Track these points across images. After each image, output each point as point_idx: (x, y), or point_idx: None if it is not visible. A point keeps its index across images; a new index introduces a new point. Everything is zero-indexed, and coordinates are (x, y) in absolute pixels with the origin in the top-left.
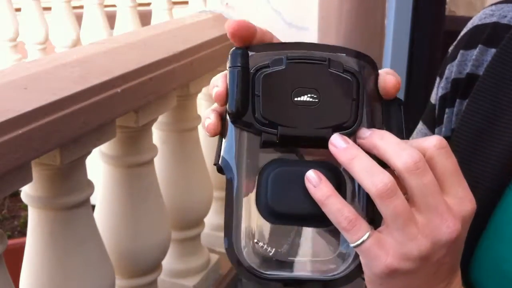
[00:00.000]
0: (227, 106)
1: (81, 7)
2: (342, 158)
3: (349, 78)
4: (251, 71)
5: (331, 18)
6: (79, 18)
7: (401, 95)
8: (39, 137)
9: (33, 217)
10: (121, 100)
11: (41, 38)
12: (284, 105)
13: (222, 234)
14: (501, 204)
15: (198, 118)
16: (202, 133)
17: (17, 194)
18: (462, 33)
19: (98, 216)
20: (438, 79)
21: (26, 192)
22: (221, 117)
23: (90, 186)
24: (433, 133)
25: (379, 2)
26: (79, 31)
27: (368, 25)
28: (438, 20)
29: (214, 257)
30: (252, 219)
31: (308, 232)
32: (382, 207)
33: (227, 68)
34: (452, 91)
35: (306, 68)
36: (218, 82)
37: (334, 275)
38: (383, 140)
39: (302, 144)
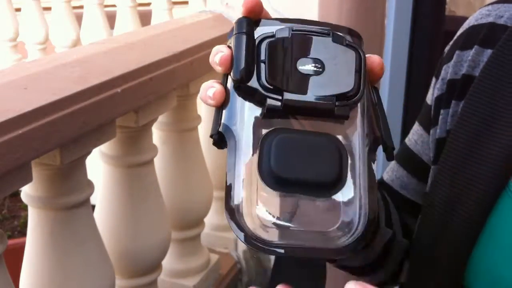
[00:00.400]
0: (231, 73)
1: (81, 7)
2: None
3: (352, 51)
4: (257, 39)
5: (331, 18)
6: (79, 18)
7: (400, 95)
8: (39, 137)
9: (33, 217)
10: (121, 100)
11: (41, 38)
12: (289, 73)
13: (222, 234)
14: (497, 207)
15: (198, 118)
16: (202, 133)
17: (17, 194)
18: (458, 33)
19: (98, 216)
20: (434, 79)
21: (26, 192)
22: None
23: (90, 186)
24: (428, 133)
25: (379, 2)
26: (79, 31)
27: (368, 25)
28: (438, 20)
29: (214, 257)
30: (253, 187)
31: (310, 202)
32: None
33: (233, 34)
34: (448, 92)
35: (310, 40)
36: (223, 49)
37: (338, 244)
38: None
39: (306, 112)
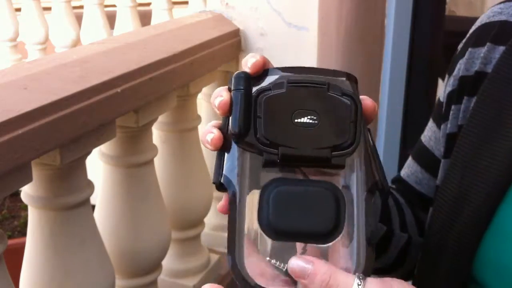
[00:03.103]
0: (230, 126)
1: (81, 7)
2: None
3: (347, 101)
4: (254, 94)
5: (331, 18)
6: (79, 18)
7: (401, 95)
8: (39, 137)
9: (33, 217)
10: (121, 100)
11: (41, 38)
12: (285, 126)
13: (222, 234)
14: (506, 199)
15: (198, 118)
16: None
17: (17, 194)
18: (471, 31)
19: (98, 216)
20: (447, 76)
21: (26, 192)
22: (223, 133)
23: (90, 186)
24: (439, 129)
25: (379, 2)
26: (79, 31)
27: (368, 25)
28: (438, 20)
29: (214, 257)
30: (254, 237)
31: (311, 250)
32: None
33: (231, 90)
34: (460, 88)
35: (306, 91)
36: (222, 93)
37: None
38: None
39: (303, 164)
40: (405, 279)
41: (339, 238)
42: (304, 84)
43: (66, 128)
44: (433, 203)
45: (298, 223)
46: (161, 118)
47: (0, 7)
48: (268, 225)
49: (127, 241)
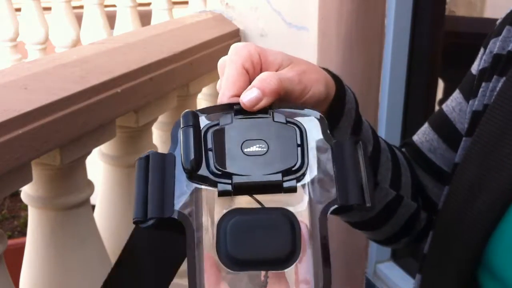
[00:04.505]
0: (182, 163)
1: (81, 7)
2: None
3: (292, 127)
4: (202, 129)
5: (331, 18)
6: (79, 18)
7: (401, 95)
8: (39, 137)
9: (33, 217)
10: (121, 100)
11: (41, 38)
12: (235, 157)
13: None
14: None
15: None
16: None
17: (17, 194)
18: (510, 9)
19: (98, 216)
20: (482, 50)
21: (26, 192)
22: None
23: (90, 186)
24: (467, 102)
25: (379, 2)
26: (79, 31)
27: (368, 25)
28: (438, 20)
29: None
30: (214, 269)
31: (274, 274)
32: None
33: (180, 128)
34: (492, 65)
35: (252, 122)
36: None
37: None
38: None
39: (256, 191)
40: (394, 240)
41: (297, 261)
42: (249, 116)
43: (66, 128)
44: (443, 175)
45: (256, 252)
46: (161, 118)
47: (0, 7)
48: (227, 257)
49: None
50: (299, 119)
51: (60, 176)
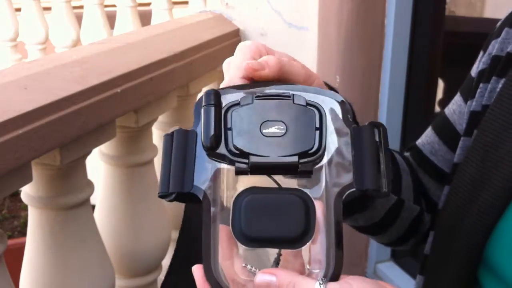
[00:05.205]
0: (202, 140)
1: (81, 7)
2: None
3: (312, 109)
4: (223, 108)
5: (331, 18)
6: (79, 18)
7: (401, 95)
8: (39, 137)
9: (33, 217)
10: (121, 100)
11: (41, 38)
12: (254, 137)
13: None
14: None
15: None
16: None
17: (17, 194)
18: (510, 11)
19: (98, 216)
20: (481, 52)
21: (26, 192)
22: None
23: (90, 186)
24: (465, 104)
25: (379, 2)
26: (79, 31)
27: (368, 25)
28: (438, 20)
29: None
30: (229, 244)
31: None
32: None
33: (202, 107)
34: (491, 67)
35: (272, 103)
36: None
37: None
38: None
39: (272, 172)
40: (400, 243)
41: (309, 242)
42: (270, 97)
43: (66, 128)
44: (445, 177)
45: (269, 229)
46: (161, 118)
47: (0, 7)
48: (241, 233)
49: (127, 241)
50: (319, 101)
51: (60, 176)
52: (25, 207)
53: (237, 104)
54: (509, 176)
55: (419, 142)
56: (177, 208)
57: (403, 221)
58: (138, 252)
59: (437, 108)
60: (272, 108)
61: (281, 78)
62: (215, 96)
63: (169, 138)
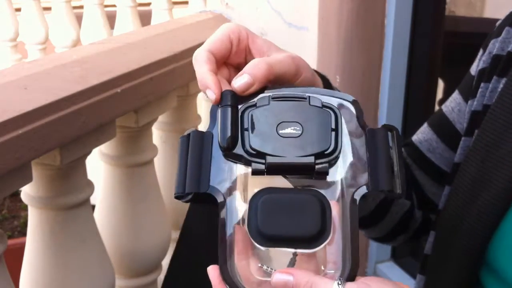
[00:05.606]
0: (219, 141)
1: (81, 7)
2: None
3: (328, 111)
4: (240, 109)
5: (331, 18)
6: (79, 18)
7: (401, 95)
8: (39, 137)
9: (33, 217)
10: (121, 100)
11: (41, 38)
12: (270, 138)
13: None
14: None
15: (198, 118)
16: None
17: (17, 194)
18: (510, 11)
19: (98, 216)
20: (481, 51)
21: (26, 192)
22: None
23: (90, 186)
24: (466, 103)
25: (379, 2)
26: (79, 31)
27: (368, 25)
28: (438, 20)
29: None
30: (244, 244)
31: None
32: None
33: (219, 107)
34: (491, 66)
35: (288, 105)
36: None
37: None
38: None
39: (289, 172)
40: (390, 238)
41: (326, 242)
42: (286, 98)
43: (66, 128)
44: (442, 175)
45: (286, 229)
46: (161, 118)
47: (0, 7)
48: (257, 233)
49: (127, 241)
50: (334, 103)
51: (60, 176)
52: (25, 207)
53: (253, 105)
54: (509, 176)
55: (415, 138)
56: (177, 208)
57: (393, 216)
58: (138, 252)
59: (437, 108)
60: (288, 109)
61: (274, 80)
62: (232, 96)
63: (185, 140)
